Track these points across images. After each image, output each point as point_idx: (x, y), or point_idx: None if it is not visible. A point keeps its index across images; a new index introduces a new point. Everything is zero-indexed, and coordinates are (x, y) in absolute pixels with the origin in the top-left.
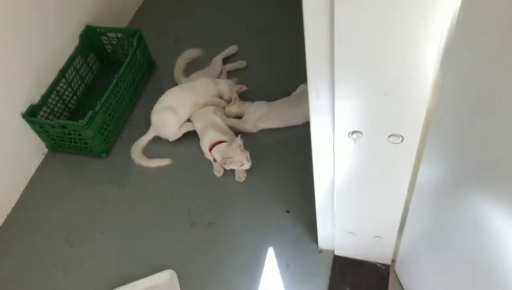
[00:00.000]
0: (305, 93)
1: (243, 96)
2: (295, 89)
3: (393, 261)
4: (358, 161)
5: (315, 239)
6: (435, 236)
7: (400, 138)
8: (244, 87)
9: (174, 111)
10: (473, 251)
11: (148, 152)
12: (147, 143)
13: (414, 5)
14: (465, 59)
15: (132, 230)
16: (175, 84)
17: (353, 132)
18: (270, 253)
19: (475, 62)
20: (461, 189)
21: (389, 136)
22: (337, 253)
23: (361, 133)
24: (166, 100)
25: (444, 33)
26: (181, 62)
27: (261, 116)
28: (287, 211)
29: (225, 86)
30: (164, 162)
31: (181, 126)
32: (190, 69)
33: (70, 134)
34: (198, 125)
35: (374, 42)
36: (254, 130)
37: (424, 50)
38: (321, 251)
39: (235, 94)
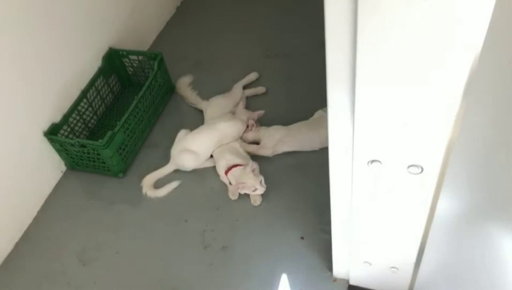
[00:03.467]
0: (322, 119)
1: (260, 121)
2: (312, 114)
3: None
4: (376, 190)
5: (329, 267)
6: (453, 269)
7: (420, 169)
8: (262, 112)
9: (196, 155)
10: (492, 285)
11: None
12: (165, 176)
13: (438, 37)
14: (488, 90)
15: (145, 251)
16: (193, 108)
17: (372, 161)
18: (284, 279)
19: (498, 93)
20: (481, 221)
21: (408, 167)
22: (352, 282)
23: (380, 162)
24: (189, 143)
25: (467, 65)
26: (186, 91)
27: (279, 140)
28: (302, 237)
29: (246, 117)
30: (172, 186)
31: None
32: (206, 90)
33: (89, 153)
34: (215, 149)
35: (396, 73)
36: (271, 154)
37: (447, 83)
38: (335, 279)
39: (252, 121)
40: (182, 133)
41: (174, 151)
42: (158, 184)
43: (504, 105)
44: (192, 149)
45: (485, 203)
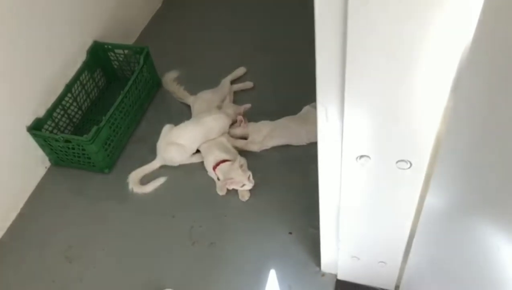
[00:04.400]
0: (310, 114)
1: (248, 116)
2: (300, 110)
3: (397, 286)
4: (365, 185)
5: (318, 262)
6: (440, 262)
7: (409, 164)
8: (248, 105)
9: (183, 148)
10: (479, 279)
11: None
12: (152, 172)
13: (426, 32)
14: (476, 87)
15: (132, 247)
16: (180, 103)
17: (361, 156)
18: (272, 275)
19: (486, 90)
20: (469, 216)
21: (397, 162)
22: (340, 277)
23: (369, 157)
24: (175, 136)
25: (456, 61)
26: (173, 85)
27: (266, 135)
28: (290, 233)
29: (232, 111)
30: (159, 181)
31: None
32: (193, 85)
33: (73, 148)
34: (202, 144)
35: (386, 69)
36: (259, 150)
37: (435, 78)
38: (323, 274)
39: (241, 117)
40: (167, 128)
41: (160, 144)
42: (144, 180)
43: (492, 100)
44: (179, 142)
45: (473, 198)
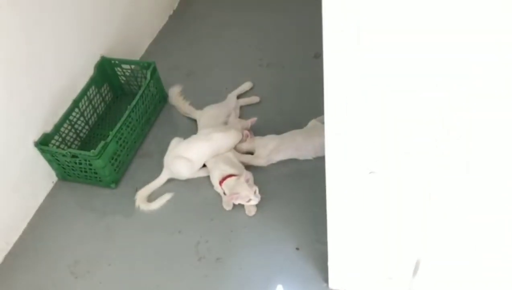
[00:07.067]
0: (316, 128)
1: (254, 130)
2: (306, 124)
3: None
4: (373, 200)
5: (325, 277)
6: (449, 277)
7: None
8: (254, 119)
9: (191, 163)
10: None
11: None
12: (159, 187)
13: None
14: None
15: (138, 263)
16: (186, 117)
17: (369, 172)
18: None
19: None
20: (475, 230)
21: (405, 179)
22: None
23: (377, 173)
24: (184, 150)
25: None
26: (178, 100)
27: (273, 149)
28: (297, 248)
29: (240, 127)
30: (165, 198)
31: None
32: (199, 99)
33: (80, 163)
34: (209, 159)
35: (392, 84)
36: (266, 164)
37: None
38: None
39: (247, 132)
40: (175, 141)
41: (168, 158)
42: (151, 196)
43: None
44: (187, 156)
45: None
